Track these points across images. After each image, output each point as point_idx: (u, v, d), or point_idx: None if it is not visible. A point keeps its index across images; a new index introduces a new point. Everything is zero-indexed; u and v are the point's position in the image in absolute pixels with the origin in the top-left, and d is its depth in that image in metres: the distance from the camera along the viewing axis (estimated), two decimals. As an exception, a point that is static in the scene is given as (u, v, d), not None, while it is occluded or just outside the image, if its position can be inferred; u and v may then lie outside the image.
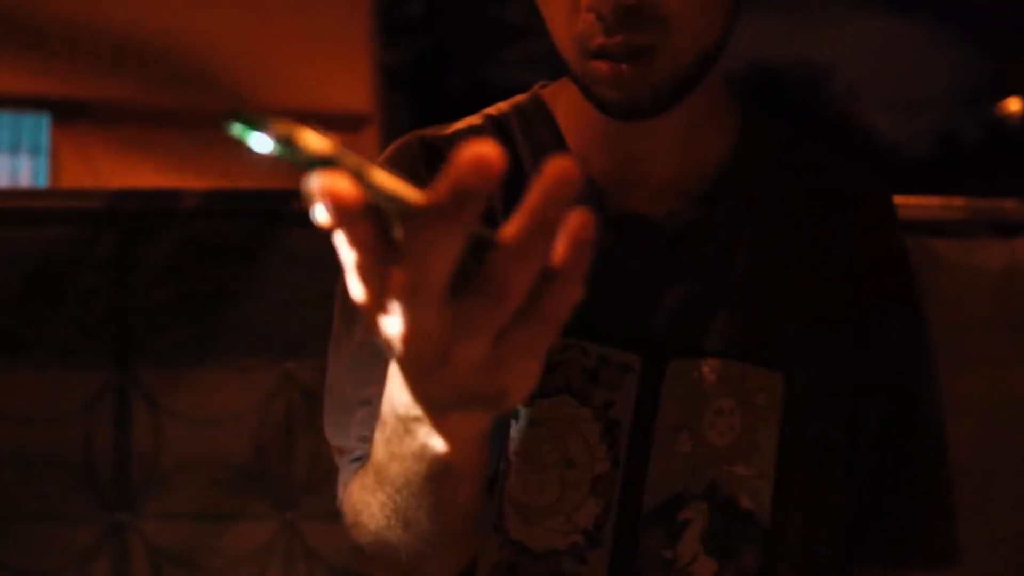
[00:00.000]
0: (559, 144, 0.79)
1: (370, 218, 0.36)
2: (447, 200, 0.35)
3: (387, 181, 0.35)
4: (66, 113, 4.61)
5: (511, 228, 0.37)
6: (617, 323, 0.74)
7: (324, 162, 0.35)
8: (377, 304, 0.38)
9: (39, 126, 4.72)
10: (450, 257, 0.36)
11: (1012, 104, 11.26)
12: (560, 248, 0.38)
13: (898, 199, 1.41)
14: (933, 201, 1.43)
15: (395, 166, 0.78)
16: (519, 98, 0.83)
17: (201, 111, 4.66)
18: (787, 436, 0.75)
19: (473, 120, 0.82)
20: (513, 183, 0.75)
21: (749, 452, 0.74)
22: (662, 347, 0.74)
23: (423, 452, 0.51)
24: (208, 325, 1.28)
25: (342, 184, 0.35)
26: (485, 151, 0.35)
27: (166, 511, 1.27)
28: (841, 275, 0.78)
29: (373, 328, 0.40)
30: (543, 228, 0.37)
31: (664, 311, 0.75)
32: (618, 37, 0.66)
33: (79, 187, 1.34)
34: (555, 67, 0.76)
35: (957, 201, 1.43)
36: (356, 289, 0.38)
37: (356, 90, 4.79)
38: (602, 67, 0.67)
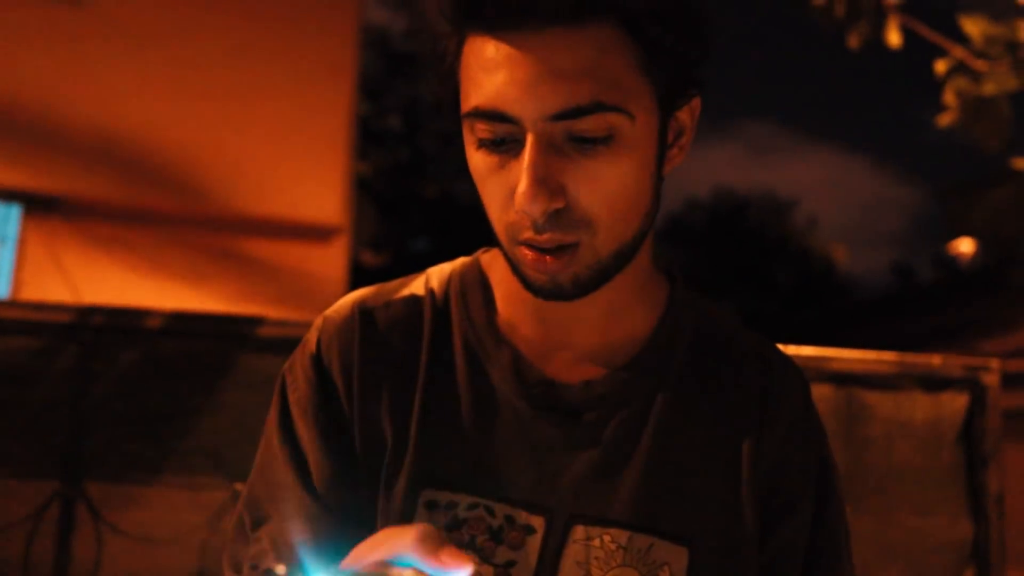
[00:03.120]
0: (490, 309, 0.82)
1: None
2: None
3: None
4: (38, 206, 4.64)
5: None
6: (525, 485, 0.76)
7: None
8: None
9: (8, 217, 4.74)
10: None
11: (963, 244, 11.63)
12: None
13: (833, 352, 1.50)
14: (866, 355, 1.50)
15: (335, 336, 0.81)
16: (462, 260, 0.87)
17: (173, 213, 4.72)
18: None
19: (416, 288, 0.84)
20: (441, 343, 0.80)
21: None
22: (567, 512, 0.76)
23: None
24: (161, 443, 1.29)
25: None
26: None
27: (101, 629, 1.26)
28: (751, 449, 0.80)
29: None
30: None
31: (573, 477, 0.76)
32: (546, 235, 0.70)
33: (46, 299, 1.37)
34: None
35: (888, 355, 1.50)
36: None
37: (328, 200, 4.88)
38: (529, 255, 0.72)
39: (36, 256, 4.58)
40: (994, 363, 1.53)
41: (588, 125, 0.69)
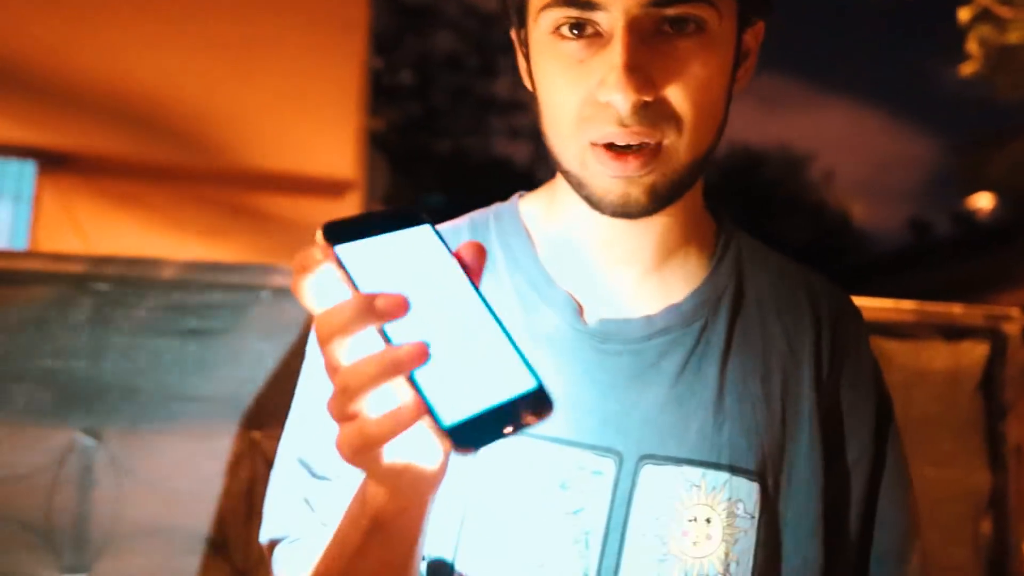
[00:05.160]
0: (528, 251, 0.80)
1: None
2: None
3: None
4: (52, 163, 4.63)
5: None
6: (591, 426, 0.73)
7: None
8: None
9: (24, 174, 4.73)
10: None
11: (981, 199, 11.50)
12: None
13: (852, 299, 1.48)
14: (885, 303, 1.49)
15: None
16: (500, 204, 0.86)
17: (186, 168, 4.71)
18: (764, 547, 0.74)
19: (458, 222, 0.84)
20: (489, 283, 0.80)
21: (726, 562, 0.73)
22: (637, 452, 0.73)
23: (363, 502, 0.58)
24: (178, 392, 1.30)
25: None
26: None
27: (123, 574, 1.28)
28: (813, 381, 0.79)
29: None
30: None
31: (640, 415, 0.74)
32: (633, 128, 0.68)
33: (61, 250, 1.37)
34: (538, 140, 0.79)
35: (907, 304, 1.49)
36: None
37: (341, 155, 4.85)
38: (607, 155, 0.69)
39: (51, 213, 4.59)
40: (1015, 312, 1.51)
41: (680, 11, 0.68)
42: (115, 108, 4.52)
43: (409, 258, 0.53)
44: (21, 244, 4.61)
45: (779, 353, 0.79)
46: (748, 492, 0.74)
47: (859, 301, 1.50)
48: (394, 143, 13.19)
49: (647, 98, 0.68)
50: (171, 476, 1.29)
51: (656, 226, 0.77)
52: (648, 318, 0.77)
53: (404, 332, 0.50)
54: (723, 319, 0.78)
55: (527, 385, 0.52)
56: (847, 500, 0.80)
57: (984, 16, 3.10)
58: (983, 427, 1.49)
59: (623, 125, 0.69)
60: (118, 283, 1.29)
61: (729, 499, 0.73)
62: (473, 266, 0.54)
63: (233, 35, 4.67)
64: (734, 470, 0.74)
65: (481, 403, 0.50)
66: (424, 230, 0.55)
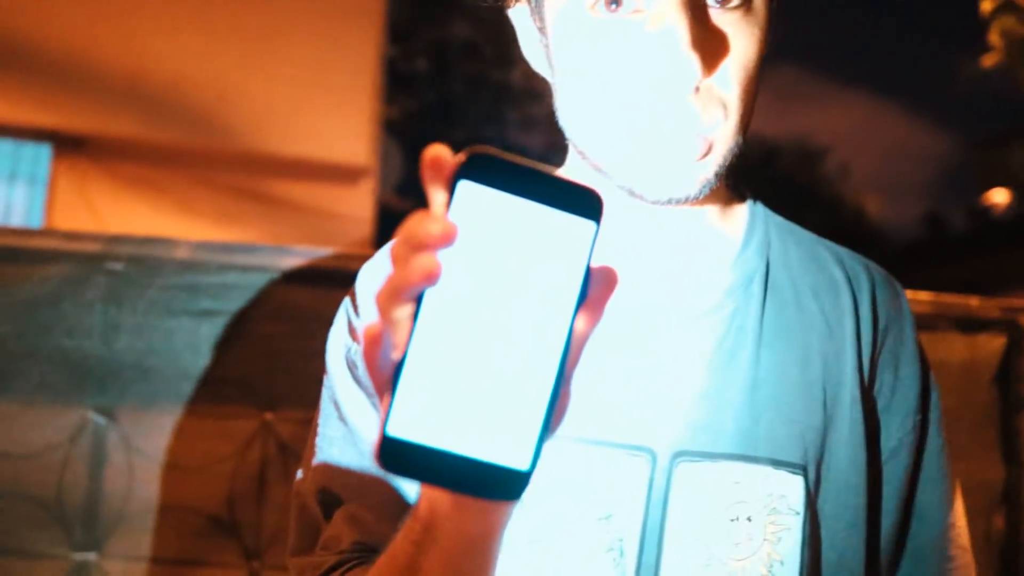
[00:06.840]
0: None
1: None
2: None
3: None
4: (67, 146, 4.65)
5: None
6: (623, 423, 0.68)
7: None
8: None
9: (39, 157, 4.75)
10: None
11: (997, 195, 11.42)
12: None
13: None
14: (901, 294, 1.47)
15: None
16: None
17: (201, 153, 4.72)
18: (810, 545, 0.69)
19: None
20: None
21: (770, 562, 0.68)
22: (671, 449, 0.68)
23: (416, 507, 0.51)
24: (191, 372, 1.30)
25: None
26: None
27: (133, 553, 1.28)
28: (854, 363, 0.74)
29: None
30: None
31: (674, 409, 0.69)
32: (691, 113, 0.65)
33: (75, 229, 1.37)
34: (553, 131, 0.73)
35: (924, 295, 1.47)
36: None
37: (356, 142, 4.85)
38: (661, 140, 0.65)
39: (66, 196, 4.61)
40: (1033, 305, 1.50)
41: None
42: (131, 92, 4.53)
43: (534, 244, 0.42)
44: (36, 227, 4.63)
45: (818, 335, 0.74)
46: (791, 486, 0.69)
47: (875, 292, 1.49)
48: (408, 131, 13.17)
49: (706, 78, 0.64)
50: (182, 456, 1.29)
51: (685, 210, 0.73)
52: (687, 302, 0.73)
53: (443, 313, 0.41)
54: (755, 302, 0.73)
55: (517, 462, 0.42)
56: (882, 491, 0.76)
57: (1007, 7, 3.07)
58: (998, 420, 1.47)
59: (682, 109, 0.65)
60: (132, 262, 1.30)
61: (771, 495, 0.68)
62: (595, 294, 0.45)
63: (250, 20, 4.67)
64: (775, 463, 0.69)
65: (451, 442, 0.41)
66: (584, 227, 0.43)
